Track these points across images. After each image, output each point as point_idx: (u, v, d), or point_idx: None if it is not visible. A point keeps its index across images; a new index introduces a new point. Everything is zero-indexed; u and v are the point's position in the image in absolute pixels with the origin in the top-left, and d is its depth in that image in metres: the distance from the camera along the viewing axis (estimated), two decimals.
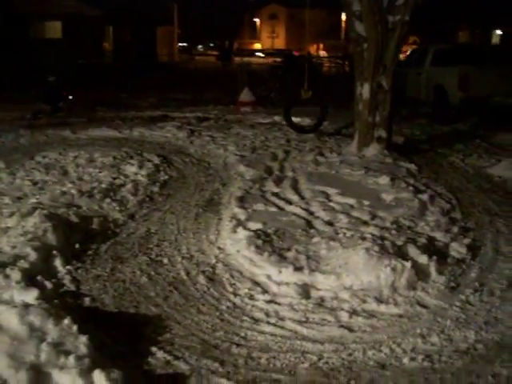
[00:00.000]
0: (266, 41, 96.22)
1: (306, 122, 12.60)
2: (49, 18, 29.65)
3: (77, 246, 5.58)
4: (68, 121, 13.86)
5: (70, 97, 15.24)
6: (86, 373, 3.22)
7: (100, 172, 8.18)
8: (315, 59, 34.22)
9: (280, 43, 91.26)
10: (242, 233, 5.67)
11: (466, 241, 5.84)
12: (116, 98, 18.61)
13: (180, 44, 69.69)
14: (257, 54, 63.03)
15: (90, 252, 5.55)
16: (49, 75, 15.35)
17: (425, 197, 7.05)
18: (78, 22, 28.81)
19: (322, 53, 68.82)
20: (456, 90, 14.50)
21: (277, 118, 13.23)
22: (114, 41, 35.24)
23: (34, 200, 6.76)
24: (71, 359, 3.32)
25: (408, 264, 4.80)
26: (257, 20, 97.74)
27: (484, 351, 3.97)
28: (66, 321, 3.70)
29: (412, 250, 5.17)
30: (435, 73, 15.71)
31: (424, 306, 4.54)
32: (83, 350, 3.47)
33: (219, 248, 5.65)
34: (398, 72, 17.62)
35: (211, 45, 79.88)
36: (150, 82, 25.39)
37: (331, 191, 7.12)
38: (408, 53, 20.68)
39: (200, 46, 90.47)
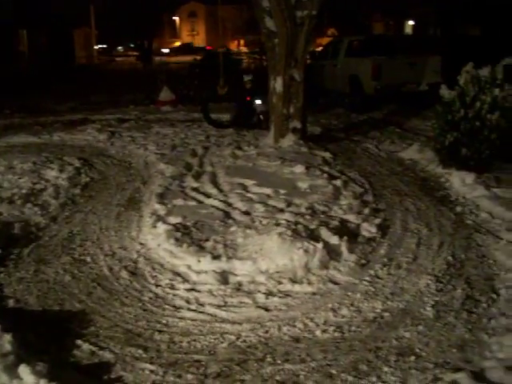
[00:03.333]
0: (187, 39, 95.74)
1: (226, 117, 12.82)
2: None
3: None
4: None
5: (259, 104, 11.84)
6: (10, 368, 3.36)
7: (20, 178, 8.12)
8: (234, 55, 34.47)
9: (200, 41, 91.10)
10: (161, 227, 5.85)
11: (377, 221, 6.22)
12: (34, 103, 18.28)
13: (100, 46, 68.63)
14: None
15: (12, 256, 5.61)
16: (244, 75, 12.70)
17: (338, 182, 7.40)
18: None
19: (243, 48, 69.16)
20: (369, 80, 15.04)
21: (196, 116, 13.40)
22: (28, 45, 34.39)
23: None
24: None
25: (319, 245, 5.10)
26: (176, 18, 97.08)
27: (390, 318, 4.32)
28: None
29: (324, 232, 5.48)
30: (350, 64, 16.22)
31: (336, 283, 4.86)
32: (7, 347, 3.60)
33: (141, 243, 5.82)
34: (314, 64, 18.20)
35: (131, 45, 78.75)
36: (68, 85, 25.05)
37: (249, 183, 7.36)
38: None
39: (120, 47, 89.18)
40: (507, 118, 7.87)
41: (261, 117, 11.69)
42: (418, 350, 3.87)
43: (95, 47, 60.64)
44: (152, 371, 3.69)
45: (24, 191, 7.45)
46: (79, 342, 4.02)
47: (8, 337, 3.67)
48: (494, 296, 4.62)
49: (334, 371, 3.65)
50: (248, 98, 11.90)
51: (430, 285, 4.84)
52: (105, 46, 75.71)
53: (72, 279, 5.07)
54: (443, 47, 20.09)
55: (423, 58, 15.36)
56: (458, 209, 6.80)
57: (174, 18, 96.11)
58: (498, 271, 5.09)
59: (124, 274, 5.14)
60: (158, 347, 3.98)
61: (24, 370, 3.34)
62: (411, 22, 43.98)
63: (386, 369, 3.66)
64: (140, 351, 3.92)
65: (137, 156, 9.88)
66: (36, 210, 6.86)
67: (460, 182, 7.65)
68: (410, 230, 6.14)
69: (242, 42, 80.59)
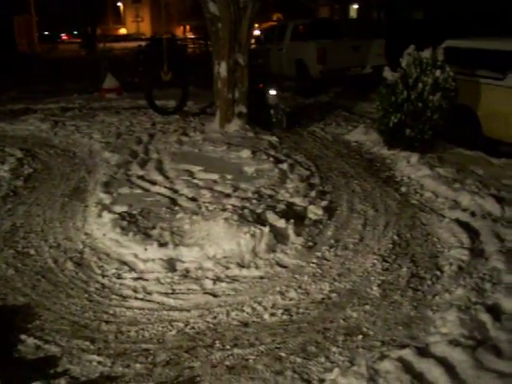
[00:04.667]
0: (131, 25, 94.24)
1: (171, 103, 12.68)
2: None
3: None
4: None
5: None
6: None
7: None
8: (180, 41, 34.09)
9: (145, 27, 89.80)
10: (107, 216, 5.75)
11: (323, 203, 6.26)
12: None
13: (44, 33, 67.04)
14: None
15: None
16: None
17: (285, 166, 7.41)
18: None
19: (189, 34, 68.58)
20: (315, 64, 15.11)
21: (141, 103, 13.19)
22: None
23: None
24: None
25: (266, 229, 5.11)
26: (120, 4, 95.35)
27: (337, 299, 4.37)
28: None
29: (271, 216, 5.48)
30: (295, 48, 16.25)
31: (283, 266, 4.88)
32: None
33: (86, 234, 5.72)
34: (260, 49, 18.14)
35: (75, 32, 77.11)
36: (9, 74, 24.33)
37: (195, 169, 7.30)
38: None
39: (63, 34, 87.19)
40: (448, 99, 8.01)
41: (279, 115, 10.18)
42: (365, 329, 3.93)
43: (36, 34, 59.11)
44: (100, 362, 3.65)
45: None
46: (23, 336, 3.93)
47: None
48: (438, 273, 4.72)
49: (283, 354, 3.67)
50: (261, 86, 10.25)
51: (377, 264, 4.91)
52: (47, 32, 73.91)
53: (15, 273, 4.95)
54: (386, 30, 20.36)
55: (367, 42, 15.52)
56: (403, 189, 6.90)
57: (118, 3, 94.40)
58: (442, 249, 5.19)
59: (69, 265, 5.05)
60: (105, 338, 3.93)
61: None
62: (355, 6, 44.31)
63: (334, 349, 3.71)
64: (87, 343, 3.87)
65: (81, 145, 9.67)
66: None
67: (405, 163, 7.77)
68: (357, 211, 6.21)
69: (187, 27, 79.80)
